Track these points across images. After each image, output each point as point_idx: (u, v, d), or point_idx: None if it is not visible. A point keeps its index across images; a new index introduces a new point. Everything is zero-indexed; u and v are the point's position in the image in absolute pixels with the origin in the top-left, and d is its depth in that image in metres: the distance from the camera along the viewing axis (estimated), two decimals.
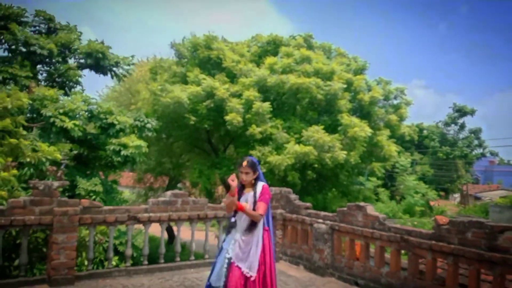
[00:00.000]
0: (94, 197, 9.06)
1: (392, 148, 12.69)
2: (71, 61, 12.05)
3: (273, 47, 15.15)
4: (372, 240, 5.64)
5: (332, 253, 6.25)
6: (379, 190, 29.35)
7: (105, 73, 12.08)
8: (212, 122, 12.74)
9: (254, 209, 3.87)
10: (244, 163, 3.99)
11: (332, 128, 12.03)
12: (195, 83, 12.81)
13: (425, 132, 38.59)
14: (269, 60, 13.39)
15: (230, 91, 12.49)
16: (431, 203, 27.13)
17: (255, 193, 3.99)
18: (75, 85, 12.85)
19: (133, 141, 10.61)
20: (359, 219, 5.90)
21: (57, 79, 12.00)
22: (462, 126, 37.40)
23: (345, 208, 6.17)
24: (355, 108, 13.03)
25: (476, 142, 37.60)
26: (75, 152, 10.76)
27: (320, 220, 6.56)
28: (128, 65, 12.31)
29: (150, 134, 12.85)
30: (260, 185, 4.03)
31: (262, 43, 15.36)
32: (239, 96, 12.38)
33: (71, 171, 11.35)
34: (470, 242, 4.48)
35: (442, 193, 33.25)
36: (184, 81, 13.70)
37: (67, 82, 12.77)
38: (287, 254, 7.22)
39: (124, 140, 10.51)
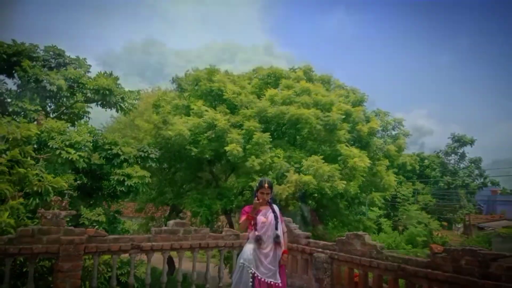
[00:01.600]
0: (97, 227, 9.26)
1: (391, 178, 12.93)
2: (79, 95, 12.53)
3: (273, 79, 15.70)
4: (370, 269, 5.80)
5: (332, 283, 6.38)
6: (382, 221, 29.29)
7: (111, 108, 12.54)
8: (213, 152, 13.05)
9: (276, 226, 4.82)
10: (266, 185, 4.76)
11: (331, 158, 12.32)
12: (197, 114, 13.22)
13: (426, 161, 39.05)
14: (270, 92, 13.86)
15: (231, 122, 12.87)
16: (436, 233, 27.01)
17: (273, 210, 4.85)
18: (82, 116, 13.31)
19: (136, 171, 10.91)
20: (358, 248, 6.08)
21: (65, 111, 12.44)
22: (462, 156, 37.83)
23: (344, 237, 6.36)
24: (354, 138, 13.39)
25: (476, 171, 37.86)
26: (79, 182, 11.06)
27: (320, 250, 6.73)
28: (134, 99, 12.79)
29: (153, 164, 13.21)
30: (274, 206, 4.95)
31: (263, 75, 15.93)
32: (239, 126, 12.75)
33: (75, 201, 11.58)
34: (464, 270, 4.66)
35: (445, 223, 33.08)
36: (187, 113, 14.14)
37: (74, 115, 13.25)
38: (288, 284, 7.33)
39: (128, 170, 10.81)
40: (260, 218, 4.76)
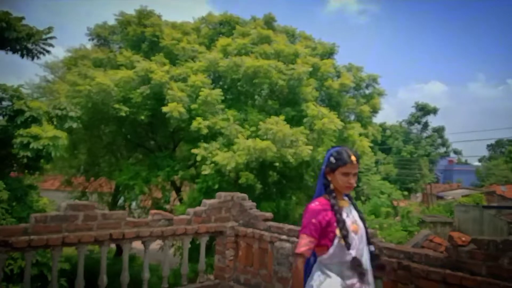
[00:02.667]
0: None
1: (364, 143, 11.40)
2: None
3: (227, 28, 13.52)
4: None
5: None
6: None
7: (13, 50, 9.99)
8: (150, 113, 10.88)
9: (368, 237, 2.73)
10: (353, 157, 2.51)
11: (296, 120, 10.55)
12: (126, 66, 10.93)
13: (388, 131, 39.06)
14: (222, 41, 11.75)
15: (171, 74, 10.68)
16: (394, 203, 26.99)
17: (357, 208, 2.79)
18: None
19: (46, 131, 8.67)
20: None
21: None
22: (426, 125, 37.91)
23: None
24: (322, 97, 11.66)
25: (439, 141, 38.12)
26: None
27: (284, 237, 4.95)
28: (45, 39, 10.28)
29: (74, 125, 10.91)
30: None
31: (214, 24, 13.70)
32: (182, 80, 10.61)
33: None
34: (507, 273, 3.07)
35: (406, 193, 33.49)
36: (113, 67, 11.76)
37: None
38: (240, 281, 5.54)
39: (35, 130, 8.54)
40: (348, 221, 2.53)
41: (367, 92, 13.29)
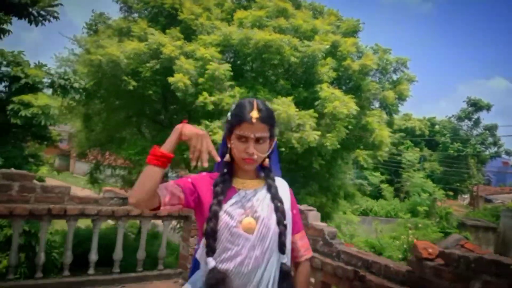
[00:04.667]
0: None
1: (384, 133, 10.41)
2: None
3: (250, 2, 12.82)
4: (311, 271, 3.50)
5: None
6: (383, 186, 28.07)
7: (19, 15, 9.91)
8: (159, 88, 10.53)
9: (281, 241, 1.72)
10: (254, 112, 1.66)
11: (309, 102, 9.78)
12: (140, 38, 10.57)
13: (437, 127, 36.89)
14: (239, 14, 11.07)
15: (184, 50, 10.22)
16: (439, 204, 25.56)
17: (276, 196, 1.77)
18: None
19: (37, 99, 8.53)
20: None
21: None
22: (477, 122, 35.23)
23: None
24: (341, 79, 10.73)
25: (490, 139, 35.46)
26: None
27: None
28: (51, 5, 10.11)
29: (77, 96, 10.78)
30: (281, 181, 1.87)
31: None
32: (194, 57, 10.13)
33: None
34: None
35: (450, 193, 31.71)
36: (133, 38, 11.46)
37: None
38: None
39: (25, 97, 8.43)
40: (234, 211, 1.72)
41: (394, 77, 12.19)
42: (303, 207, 3.84)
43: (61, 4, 10.39)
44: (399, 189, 29.87)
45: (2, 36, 10.68)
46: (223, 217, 1.67)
